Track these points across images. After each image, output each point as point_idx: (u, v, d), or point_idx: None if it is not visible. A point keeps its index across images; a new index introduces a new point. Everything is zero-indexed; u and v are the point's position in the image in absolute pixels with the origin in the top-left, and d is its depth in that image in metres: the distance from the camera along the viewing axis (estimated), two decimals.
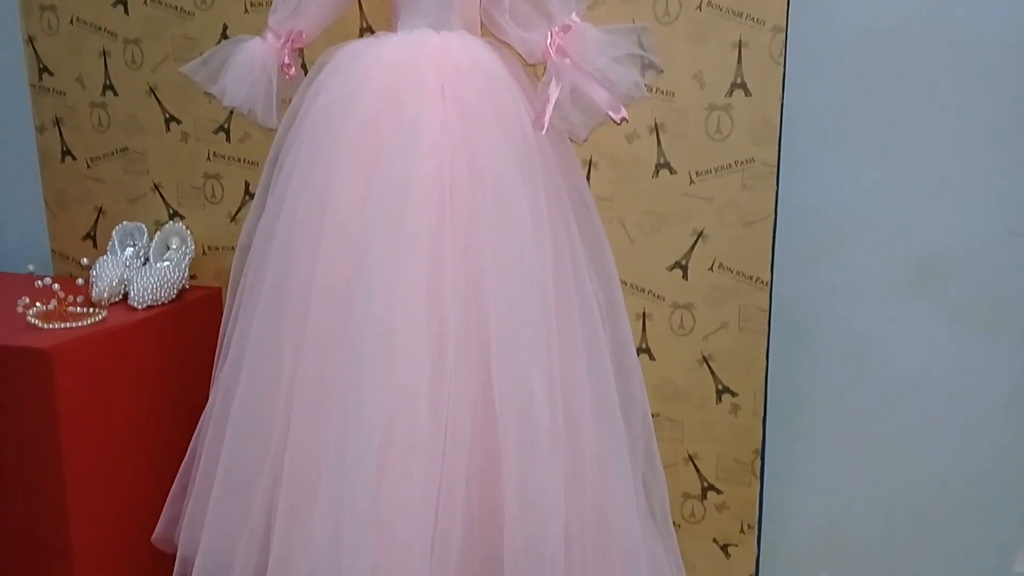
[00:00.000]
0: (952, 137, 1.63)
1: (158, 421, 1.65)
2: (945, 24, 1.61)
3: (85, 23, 1.84)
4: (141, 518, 1.59)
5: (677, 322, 1.66)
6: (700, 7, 1.54)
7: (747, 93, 1.55)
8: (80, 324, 1.54)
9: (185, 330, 1.71)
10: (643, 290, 1.66)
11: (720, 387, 1.65)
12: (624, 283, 1.61)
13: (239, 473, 1.43)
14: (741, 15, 1.53)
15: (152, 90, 1.82)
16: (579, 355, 1.44)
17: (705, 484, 1.69)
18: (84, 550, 1.48)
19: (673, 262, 1.64)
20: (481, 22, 1.52)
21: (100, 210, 1.91)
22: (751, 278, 1.60)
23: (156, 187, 1.86)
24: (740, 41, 1.54)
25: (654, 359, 1.67)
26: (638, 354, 1.62)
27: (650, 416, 1.56)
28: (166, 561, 1.56)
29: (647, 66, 1.54)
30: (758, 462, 1.65)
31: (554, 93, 1.43)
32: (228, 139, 1.80)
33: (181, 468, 1.57)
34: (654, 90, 1.58)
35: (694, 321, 1.65)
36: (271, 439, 1.40)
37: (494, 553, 1.37)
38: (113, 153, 1.88)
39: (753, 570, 1.69)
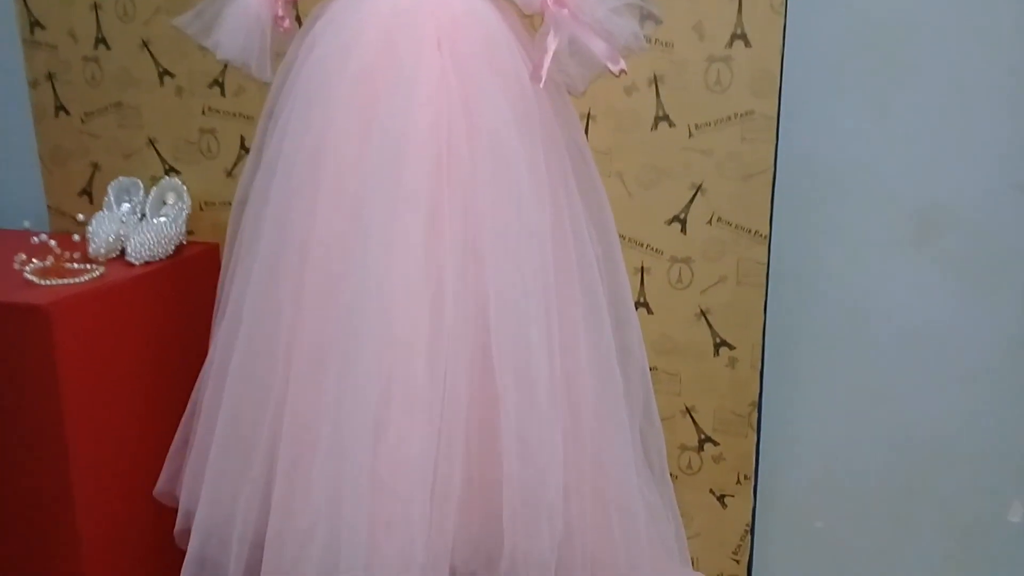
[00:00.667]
0: (954, 88, 1.62)
1: (158, 376, 1.65)
2: None
3: None
4: (143, 472, 1.60)
5: (675, 276, 1.65)
6: None
7: (747, 44, 1.53)
8: (77, 280, 1.54)
9: (183, 286, 1.71)
10: (641, 244, 1.65)
11: (718, 340, 1.66)
12: (622, 237, 1.60)
13: (239, 428, 1.44)
14: None
15: (145, 43, 1.80)
16: (577, 309, 1.44)
17: (702, 436, 1.70)
18: (86, 505, 1.49)
19: (672, 216, 1.63)
20: None
21: (95, 166, 1.90)
22: (750, 231, 1.60)
23: (151, 142, 1.85)
24: None
25: (652, 313, 1.68)
26: (636, 308, 1.62)
27: (648, 370, 1.57)
28: (168, 514, 1.58)
29: (646, 16, 1.52)
30: (755, 414, 1.67)
31: (552, 45, 1.41)
32: (223, 93, 1.78)
33: (182, 423, 1.58)
34: (653, 41, 1.56)
35: (692, 275, 1.64)
36: (270, 394, 1.41)
37: (493, 506, 1.38)
38: (107, 108, 1.86)
39: (749, 520, 1.71)
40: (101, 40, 1.83)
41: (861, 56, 1.64)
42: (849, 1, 1.63)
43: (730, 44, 1.54)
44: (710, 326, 1.66)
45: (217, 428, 1.45)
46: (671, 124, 1.59)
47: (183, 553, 1.49)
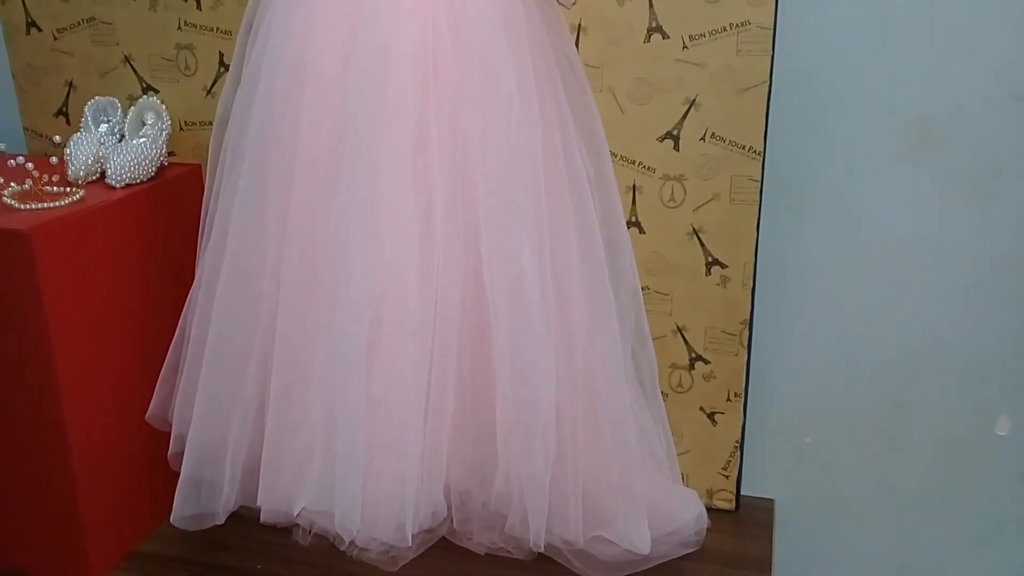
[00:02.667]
0: None
1: (145, 300, 1.63)
2: None
3: None
4: (134, 397, 1.60)
5: (668, 194, 1.63)
6: None
7: None
8: (58, 204, 1.50)
9: (166, 208, 1.67)
10: (633, 162, 1.62)
11: (710, 259, 1.65)
12: (614, 155, 1.57)
13: (228, 350, 1.43)
14: None
15: None
16: (569, 229, 1.43)
17: (693, 355, 1.70)
18: (78, 430, 1.49)
19: (664, 132, 1.60)
20: None
21: (71, 85, 1.84)
22: (744, 147, 1.57)
23: (127, 59, 1.79)
24: None
25: (644, 232, 1.66)
26: (628, 227, 1.60)
27: (640, 290, 1.56)
28: (161, 438, 1.58)
29: None
30: (746, 332, 1.67)
31: None
32: (199, 7, 1.71)
33: (171, 346, 1.57)
34: None
35: (685, 193, 1.62)
36: (259, 316, 1.40)
37: (486, 427, 1.39)
38: (80, 23, 1.79)
39: (739, 436, 1.73)
40: None
41: None
42: None
43: None
44: (702, 245, 1.64)
45: (206, 351, 1.44)
46: (665, 36, 1.55)
47: (177, 475, 1.50)
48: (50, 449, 1.48)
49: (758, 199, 1.59)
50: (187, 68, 1.76)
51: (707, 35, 1.53)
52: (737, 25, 1.51)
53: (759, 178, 1.58)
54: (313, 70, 1.32)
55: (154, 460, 1.61)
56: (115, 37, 1.78)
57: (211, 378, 1.44)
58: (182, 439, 1.51)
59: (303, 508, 1.39)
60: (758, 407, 1.79)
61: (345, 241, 1.30)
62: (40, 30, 1.82)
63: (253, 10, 1.43)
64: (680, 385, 1.73)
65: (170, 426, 1.55)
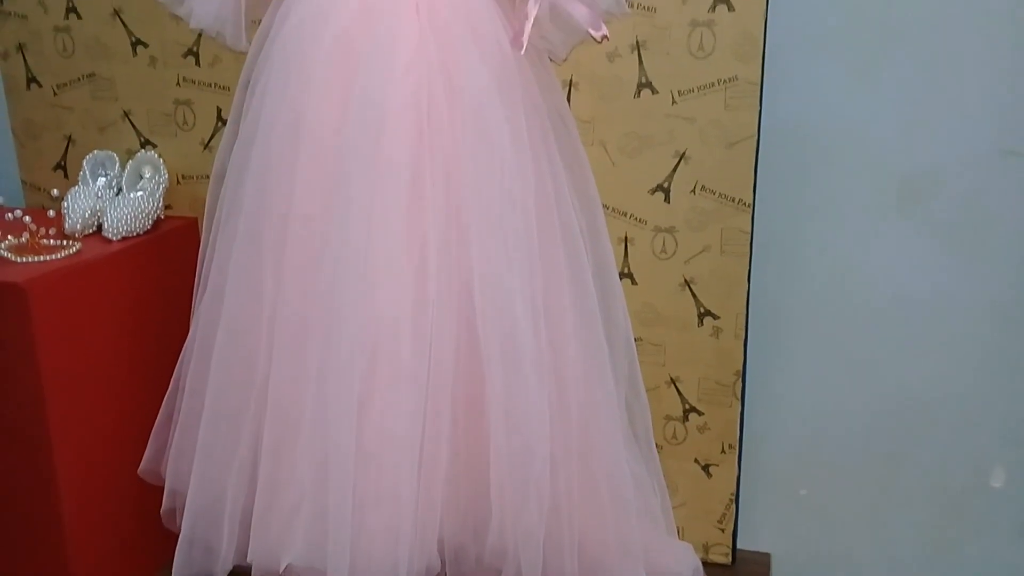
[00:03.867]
0: (939, 53, 1.61)
1: (139, 353, 1.64)
2: None
3: None
4: (126, 451, 1.59)
5: (659, 246, 1.65)
6: None
7: (730, 8, 1.51)
8: (54, 257, 1.51)
9: (162, 261, 1.68)
10: (625, 214, 1.64)
11: (702, 310, 1.66)
12: (606, 207, 1.59)
13: (225, 406, 1.43)
14: None
15: (117, 12, 1.76)
16: (562, 280, 1.43)
17: (687, 406, 1.70)
18: (69, 484, 1.48)
19: (655, 185, 1.62)
20: None
21: (69, 139, 1.86)
22: (733, 200, 1.59)
23: (126, 114, 1.81)
24: None
25: (636, 283, 1.67)
26: (620, 278, 1.61)
27: (633, 340, 1.56)
28: (153, 493, 1.56)
29: None
30: (739, 383, 1.67)
31: (533, 10, 1.38)
32: (198, 63, 1.74)
33: (165, 399, 1.57)
34: (635, 6, 1.54)
35: (676, 244, 1.64)
36: (255, 371, 1.39)
37: (480, 479, 1.38)
38: (80, 79, 1.82)
39: (734, 489, 1.72)
40: (72, 9, 1.79)
41: (845, 20, 1.63)
42: None
43: (713, 8, 1.52)
44: (694, 296, 1.65)
45: (204, 407, 1.44)
46: (654, 91, 1.58)
47: (168, 532, 1.49)
48: (40, 503, 1.47)
49: (749, 251, 1.61)
50: (185, 123, 1.78)
51: (696, 90, 1.56)
52: (725, 81, 1.54)
53: (749, 230, 1.60)
54: (309, 126, 1.34)
55: (146, 515, 1.59)
56: (115, 92, 1.81)
57: (208, 433, 1.43)
58: (174, 494, 1.49)
59: (289, 564, 1.37)
60: (753, 459, 1.78)
61: (339, 294, 1.31)
62: (40, 86, 1.85)
63: (251, 67, 1.46)
64: (674, 437, 1.73)
65: (163, 480, 1.54)
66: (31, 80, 1.85)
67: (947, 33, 1.60)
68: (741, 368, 1.66)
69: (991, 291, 1.67)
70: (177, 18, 1.60)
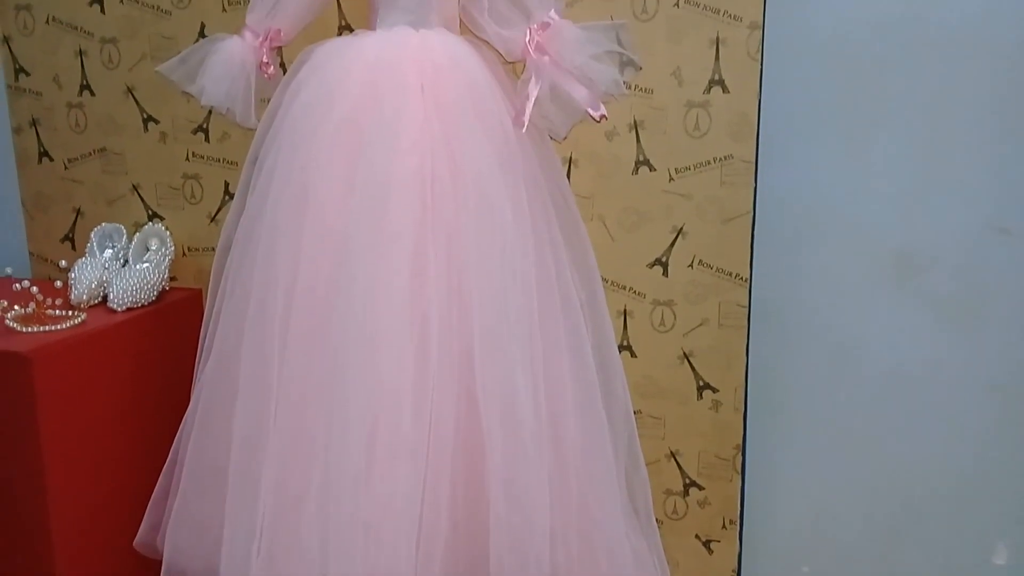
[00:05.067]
0: (930, 132, 1.65)
1: (138, 424, 1.64)
2: (919, 21, 1.62)
3: (61, 23, 1.83)
4: (123, 522, 1.57)
5: (658, 319, 1.66)
6: (678, 4, 1.55)
7: (725, 90, 1.56)
8: (59, 327, 1.53)
9: (165, 332, 1.70)
10: (624, 287, 1.66)
11: (701, 383, 1.66)
12: (605, 280, 1.61)
13: (227, 478, 1.42)
14: (718, 12, 1.54)
15: (130, 90, 1.81)
16: (562, 353, 1.45)
17: (687, 480, 1.70)
18: (65, 554, 1.46)
19: (653, 259, 1.64)
20: (460, 20, 1.53)
21: (78, 211, 1.90)
22: (731, 274, 1.61)
23: (135, 188, 1.85)
24: (718, 38, 1.54)
25: (636, 356, 1.68)
26: (620, 351, 1.62)
27: (632, 413, 1.57)
28: (149, 565, 1.55)
29: (626, 63, 1.55)
30: (739, 458, 1.66)
31: (534, 91, 1.43)
32: (207, 139, 1.79)
33: (163, 472, 1.56)
34: (633, 87, 1.59)
35: (675, 318, 1.65)
36: (259, 443, 1.39)
37: (480, 551, 1.37)
38: (91, 154, 1.87)
39: (735, 566, 1.70)
40: (86, 86, 1.84)
41: (837, 100, 1.67)
42: (823, 48, 1.66)
43: (708, 90, 1.57)
44: (693, 369, 1.66)
45: (203, 479, 1.43)
46: (651, 168, 1.61)
47: None
48: (37, 573, 1.45)
49: (746, 324, 1.63)
50: (193, 196, 1.82)
51: (692, 168, 1.59)
52: (721, 159, 1.58)
53: (747, 304, 1.62)
54: (315, 199, 1.37)
55: None
56: (124, 167, 1.85)
57: (212, 505, 1.42)
58: (171, 567, 1.48)
59: None
60: (754, 535, 1.77)
61: (341, 365, 1.32)
62: (52, 160, 1.89)
63: (259, 143, 1.50)
64: (675, 511, 1.71)
65: (158, 553, 1.52)
66: (43, 154, 1.90)
67: (938, 113, 1.64)
68: (741, 442, 1.66)
69: (988, 366, 1.68)
70: (188, 95, 1.66)
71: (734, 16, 1.53)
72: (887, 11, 1.63)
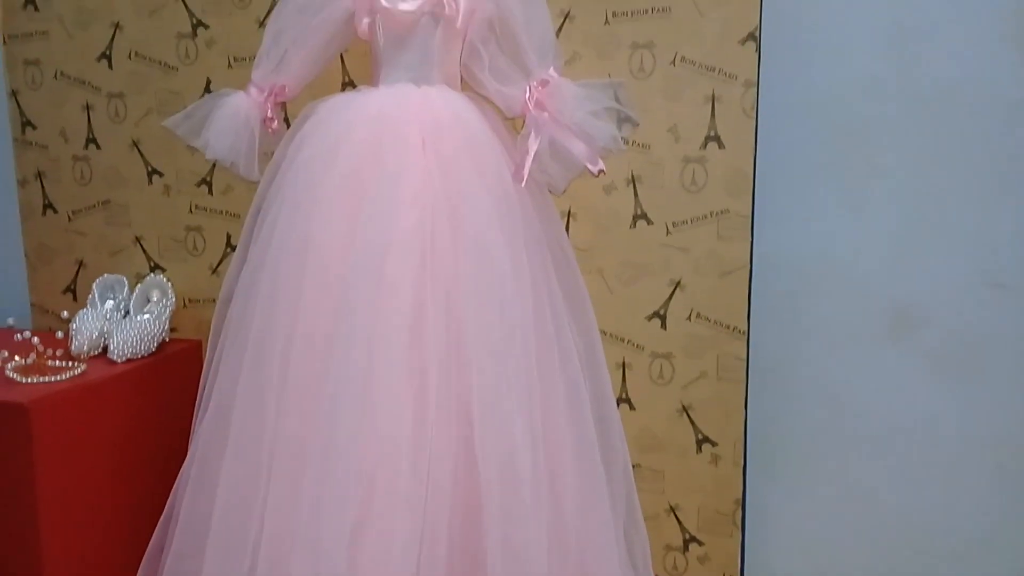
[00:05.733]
0: (923, 188, 1.67)
1: (135, 477, 1.63)
2: (910, 80, 1.65)
3: (69, 77, 1.86)
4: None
5: (656, 371, 1.66)
6: (674, 62, 1.58)
7: (721, 146, 1.58)
8: (59, 378, 1.53)
9: (164, 383, 1.70)
10: (622, 340, 1.67)
11: (700, 437, 1.66)
12: (603, 333, 1.62)
13: (227, 531, 1.41)
14: (714, 70, 1.57)
15: (135, 143, 1.84)
16: (560, 405, 1.44)
17: (687, 536, 1.68)
18: None
19: (651, 312, 1.65)
20: (461, 76, 1.56)
21: (81, 263, 1.91)
22: (728, 327, 1.62)
23: (138, 240, 1.87)
24: (713, 95, 1.57)
25: (634, 409, 1.68)
26: (618, 404, 1.62)
27: (631, 467, 1.56)
28: None
29: (623, 120, 1.57)
30: (739, 512, 1.65)
31: (533, 146, 1.45)
32: (210, 192, 1.81)
33: (158, 526, 1.55)
34: (630, 143, 1.61)
35: (673, 370, 1.66)
36: (257, 494, 1.38)
37: None
38: (95, 206, 1.89)
39: None
40: (92, 140, 1.87)
41: (832, 156, 1.70)
42: (817, 105, 1.69)
43: (704, 146, 1.59)
44: (692, 422, 1.66)
45: (199, 533, 1.42)
46: (649, 222, 1.63)
47: None
48: None
49: (745, 377, 1.63)
50: (195, 248, 1.83)
51: (689, 222, 1.61)
52: (717, 213, 1.60)
53: (745, 357, 1.62)
54: (316, 251, 1.38)
55: None
56: (128, 219, 1.87)
57: (211, 558, 1.40)
58: None
59: None
60: None
61: (339, 416, 1.32)
62: (56, 212, 1.91)
63: (262, 195, 1.51)
64: (675, 567, 1.70)
65: None
66: (47, 206, 1.92)
67: (931, 169, 1.66)
68: (741, 496, 1.65)
69: (985, 421, 1.68)
70: (193, 149, 1.68)
71: (729, 74, 1.56)
72: (879, 70, 1.66)
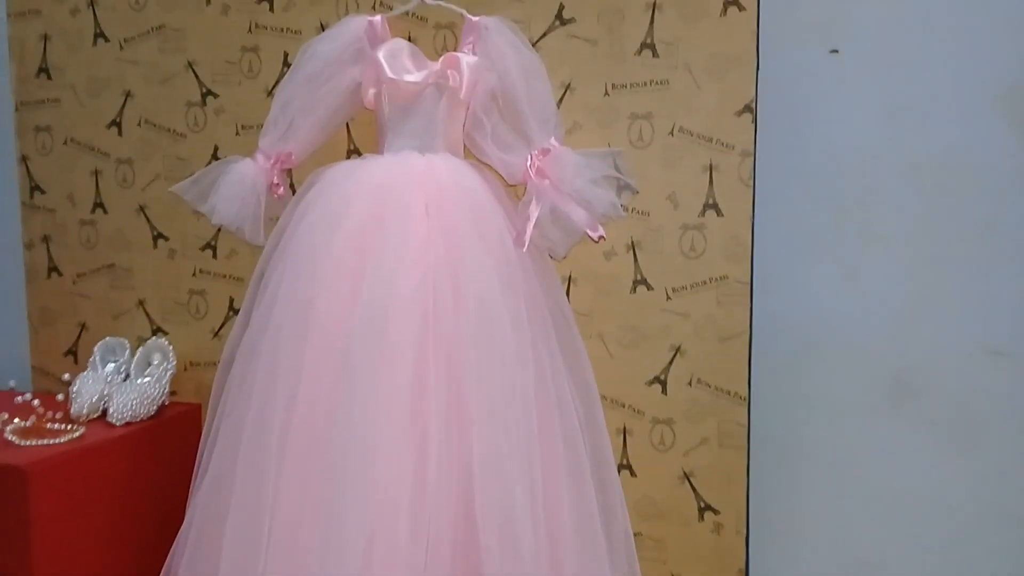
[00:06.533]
0: (919, 255, 1.69)
1: (132, 541, 1.61)
2: (904, 149, 1.68)
3: (79, 143, 1.89)
4: None
5: (657, 437, 1.66)
6: (672, 133, 1.62)
7: (719, 213, 1.61)
8: (57, 441, 1.53)
9: (163, 447, 1.69)
10: (623, 405, 1.67)
11: (702, 504, 1.65)
12: (604, 398, 1.62)
13: None
14: (711, 140, 1.60)
15: (142, 208, 1.86)
16: (560, 470, 1.44)
17: None
18: None
19: (652, 377, 1.66)
20: (464, 144, 1.59)
21: (83, 326, 1.92)
22: (729, 393, 1.62)
23: (141, 303, 1.88)
24: (711, 165, 1.60)
25: (635, 475, 1.67)
26: (619, 470, 1.61)
27: (632, 535, 1.54)
28: None
29: (623, 187, 1.60)
30: None
31: (534, 212, 1.48)
32: (215, 256, 1.83)
33: None
34: (630, 210, 1.63)
35: (674, 436, 1.65)
36: (258, 560, 1.37)
37: None
38: (99, 269, 1.90)
39: None
40: (99, 204, 1.89)
41: (829, 224, 1.72)
42: (814, 173, 1.72)
43: (703, 213, 1.62)
44: (694, 489, 1.65)
45: None
46: (649, 287, 1.65)
47: None
48: None
49: (746, 444, 1.62)
50: (198, 311, 1.84)
51: (689, 288, 1.63)
52: (716, 279, 1.61)
53: (746, 423, 1.62)
54: (319, 313, 1.39)
55: None
56: (132, 282, 1.88)
57: None
58: None
59: None
60: None
61: (340, 479, 1.31)
62: (60, 274, 1.93)
63: (267, 260, 1.53)
64: None
65: None
66: (52, 269, 1.93)
67: (926, 237, 1.69)
68: (744, 567, 1.63)
69: (987, 488, 1.67)
70: (199, 214, 1.71)
71: (726, 144, 1.59)
72: (873, 140, 1.70)
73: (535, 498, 1.36)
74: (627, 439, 1.67)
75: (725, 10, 1.57)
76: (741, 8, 1.56)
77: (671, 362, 1.64)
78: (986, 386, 1.67)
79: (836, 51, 1.69)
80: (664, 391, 1.65)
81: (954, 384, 1.68)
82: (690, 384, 1.64)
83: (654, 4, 1.60)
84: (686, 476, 1.65)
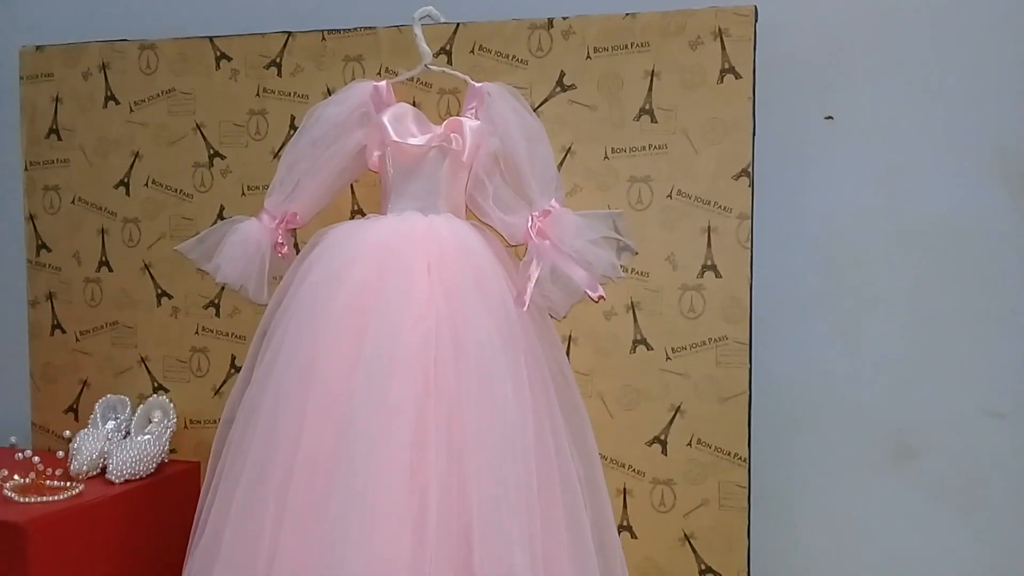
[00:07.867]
0: (917, 317, 1.70)
1: None
2: (900, 212, 1.71)
3: (86, 203, 1.92)
4: None
5: (658, 498, 1.65)
6: (671, 195, 1.65)
7: (717, 274, 1.63)
8: (56, 498, 1.53)
9: (161, 505, 1.69)
10: (623, 465, 1.67)
11: (703, 567, 1.63)
12: (604, 457, 1.62)
13: None
14: (709, 203, 1.63)
15: (147, 266, 1.88)
16: (560, 530, 1.43)
17: None
18: None
19: (652, 437, 1.66)
20: (466, 205, 1.62)
21: (85, 383, 1.92)
22: (729, 454, 1.62)
23: (143, 360, 1.88)
24: (709, 227, 1.63)
25: (636, 537, 1.66)
26: (620, 531, 1.61)
27: None
28: None
29: (622, 248, 1.62)
30: None
31: (535, 272, 1.50)
32: (217, 314, 1.84)
33: None
34: (629, 271, 1.65)
35: (675, 497, 1.65)
36: None
37: None
38: (103, 327, 1.91)
39: None
40: (104, 263, 1.91)
41: (826, 286, 1.74)
42: (811, 236, 1.74)
43: (701, 274, 1.64)
44: (694, 551, 1.64)
45: None
46: (649, 347, 1.66)
47: None
48: None
49: (747, 506, 1.62)
50: (199, 369, 1.85)
51: (688, 348, 1.64)
52: (715, 340, 1.63)
53: (746, 485, 1.61)
54: (320, 372, 1.40)
55: None
56: (134, 340, 1.89)
57: None
58: None
59: None
60: None
61: (339, 537, 1.31)
62: (64, 332, 1.94)
63: (269, 318, 1.55)
64: None
65: None
66: (55, 327, 1.94)
67: (924, 299, 1.70)
68: None
69: (987, 550, 1.66)
70: (203, 272, 1.73)
71: (724, 207, 1.62)
72: (869, 202, 1.72)
73: (534, 557, 1.36)
74: (627, 500, 1.66)
75: (722, 78, 1.61)
76: (737, 75, 1.61)
77: (671, 422, 1.65)
78: (986, 448, 1.67)
79: (831, 117, 1.73)
80: (664, 451, 1.65)
81: (954, 445, 1.68)
82: (690, 444, 1.64)
83: (652, 71, 1.64)
84: (687, 538, 1.64)
